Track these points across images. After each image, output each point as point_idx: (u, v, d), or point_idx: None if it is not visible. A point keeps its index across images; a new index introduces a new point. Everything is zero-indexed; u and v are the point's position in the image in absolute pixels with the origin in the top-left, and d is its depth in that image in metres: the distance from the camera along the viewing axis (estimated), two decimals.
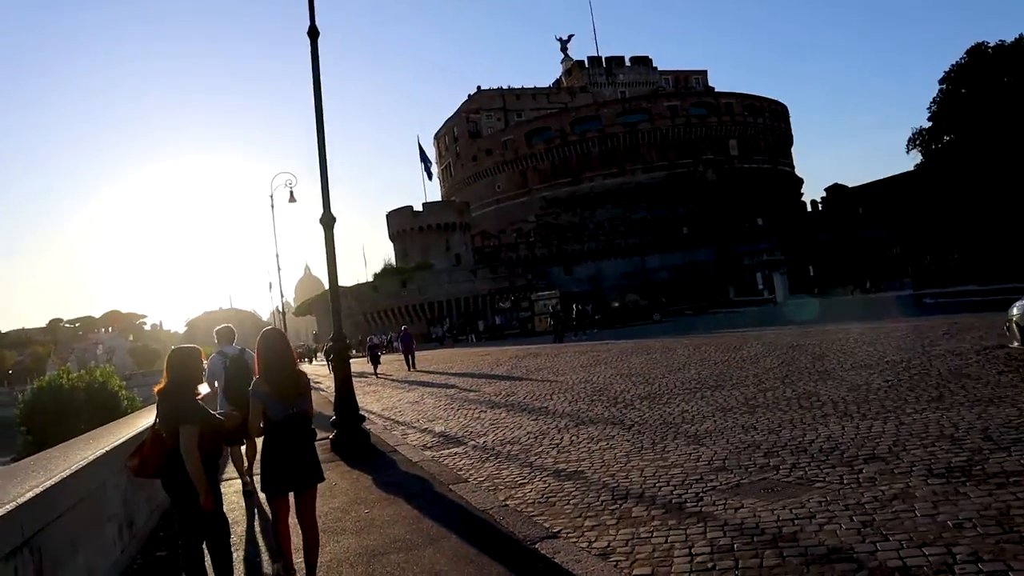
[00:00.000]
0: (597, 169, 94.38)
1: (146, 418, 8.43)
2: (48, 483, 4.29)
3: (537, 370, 20.29)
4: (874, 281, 62.22)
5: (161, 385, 4.73)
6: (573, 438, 9.43)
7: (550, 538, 5.36)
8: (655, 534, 5.20)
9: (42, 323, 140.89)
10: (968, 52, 72.46)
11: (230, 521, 5.33)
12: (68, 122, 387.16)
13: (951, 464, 5.90)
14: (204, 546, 4.77)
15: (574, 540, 5.32)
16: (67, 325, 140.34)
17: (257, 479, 5.62)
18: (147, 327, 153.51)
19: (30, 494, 3.95)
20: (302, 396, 4.97)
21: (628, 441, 8.71)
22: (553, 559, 4.88)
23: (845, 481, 5.85)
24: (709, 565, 4.49)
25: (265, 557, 6.03)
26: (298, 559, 5.20)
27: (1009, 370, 10.05)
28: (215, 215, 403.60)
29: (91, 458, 5.35)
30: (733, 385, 12.03)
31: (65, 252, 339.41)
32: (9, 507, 3.66)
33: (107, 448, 5.88)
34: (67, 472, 4.75)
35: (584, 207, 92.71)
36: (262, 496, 5.49)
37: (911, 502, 5.12)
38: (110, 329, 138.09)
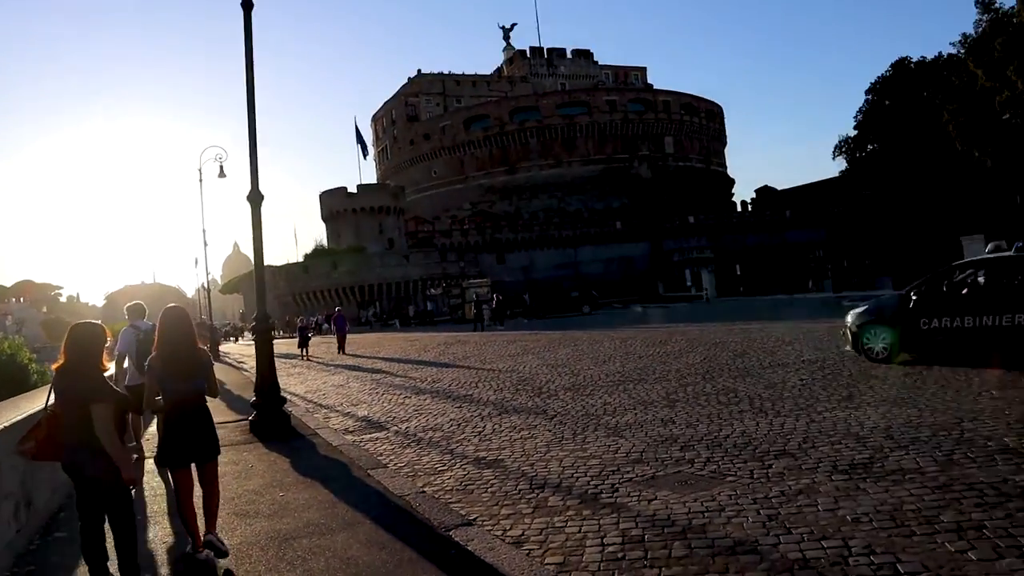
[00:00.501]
0: (534, 159, 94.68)
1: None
2: None
3: (464, 357, 20.29)
4: (801, 282, 64.14)
5: (60, 362, 4.51)
6: (496, 426, 9.46)
7: (465, 525, 5.37)
8: (569, 524, 5.26)
9: None
10: (893, 66, 75.39)
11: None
12: None
13: (854, 461, 6.14)
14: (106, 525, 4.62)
15: (489, 528, 5.34)
16: None
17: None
18: (62, 299, 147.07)
19: None
20: (198, 374, 5.09)
21: (550, 431, 8.78)
22: (466, 546, 4.89)
23: (755, 476, 6.02)
24: (619, 555, 4.57)
25: (165, 532, 5.86)
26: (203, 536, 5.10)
27: (914, 372, 10.52)
28: (141, 185, 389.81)
29: None
30: (656, 379, 12.26)
31: None
32: None
33: (4, 424, 5.61)
34: None
35: (520, 196, 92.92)
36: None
37: (815, 497, 5.31)
38: (21, 299, 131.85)
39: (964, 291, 11.32)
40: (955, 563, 3.96)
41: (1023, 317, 10.42)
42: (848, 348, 12.86)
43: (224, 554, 5.08)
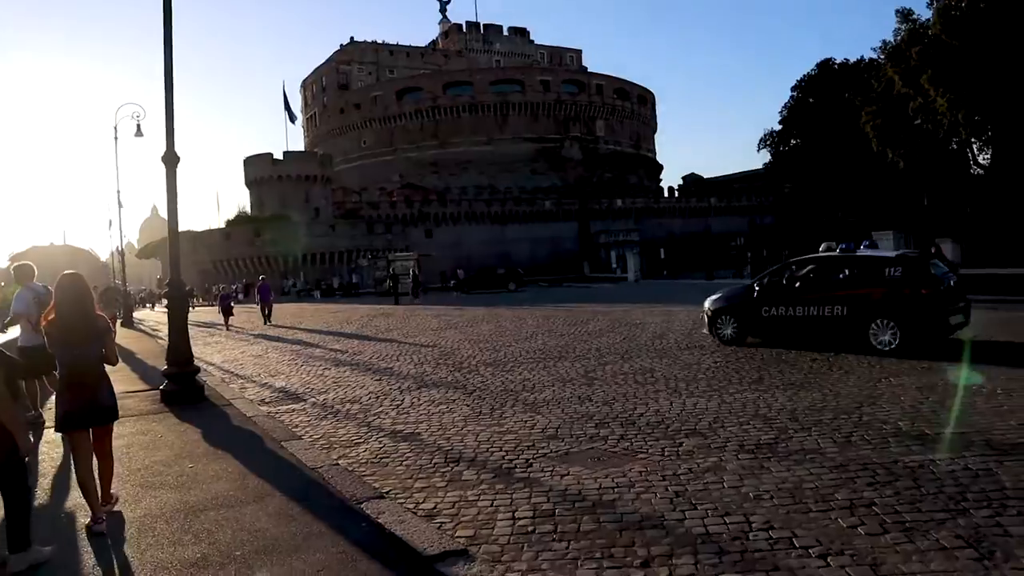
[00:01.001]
0: (466, 135, 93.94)
1: None
2: None
3: (387, 330, 20.14)
4: (724, 268, 65.66)
5: None
6: (414, 400, 9.43)
7: (377, 498, 5.33)
8: (482, 498, 5.29)
9: None
10: (818, 65, 77.86)
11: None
12: None
13: (760, 441, 6.36)
14: None
15: (401, 501, 5.32)
16: None
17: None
18: None
19: None
20: (94, 340, 5.10)
21: (468, 406, 8.80)
22: (377, 519, 4.86)
23: (666, 454, 6.17)
24: (529, 529, 4.62)
25: (61, 503, 5.64)
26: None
27: (821, 358, 10.96)
28: (52, 139, 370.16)
29: None
30: (576, 357, 12.41)
31: None
32: None
33: None
34: None
35: (450, 172, 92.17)
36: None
37: (721, 475, 5.48)
38: None
39: (796, 284, 12.46)
40: (845, 538, 4.15)
41: (839, 308, 11.71)
42: (705, 331, 13.78)
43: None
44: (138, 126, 29.81)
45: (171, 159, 10.34)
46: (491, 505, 5.12)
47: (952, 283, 11.97)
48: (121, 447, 7.01)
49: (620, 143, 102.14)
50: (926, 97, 50.58)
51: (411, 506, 5.20)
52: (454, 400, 9.25)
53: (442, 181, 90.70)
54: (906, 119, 54.51)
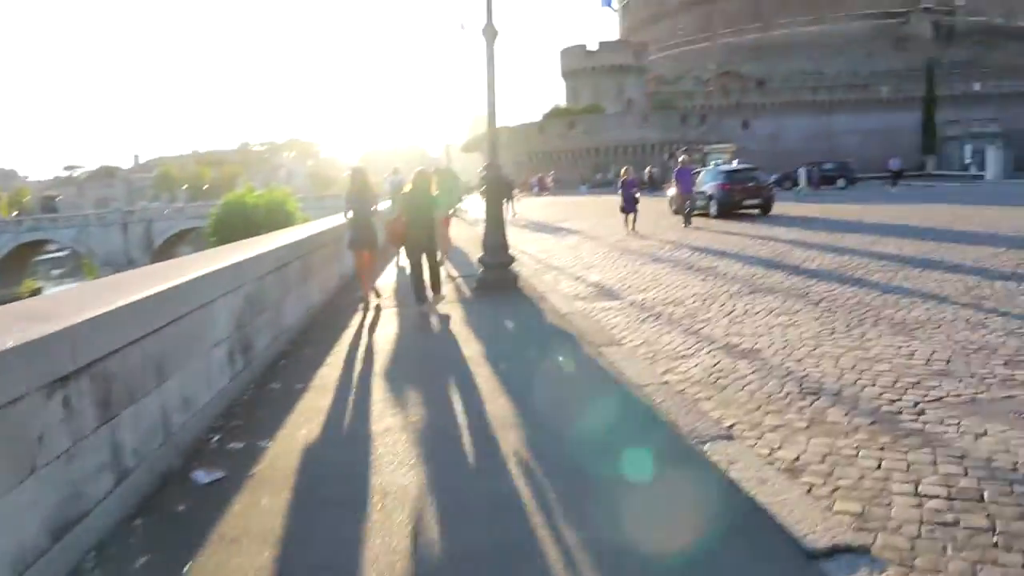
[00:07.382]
0: (792, 14, 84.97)
1: (290, 232, 8.12)
2: (120, 303, 3.59)
3: (706, 225, 18.66)
4: None
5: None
6: (747, 307, 8.12)
7: (723, 439, 4.21)
8: (861, 453, 3.96)
9: (234, 146, 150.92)
10: None
11: None
12: None
13: None
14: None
15: (752, 444, 4.18)
16: (255, 148, 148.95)
17: None
18: (322, 155, 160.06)
19: (88, 315, 3.24)
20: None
21: (815, 319, 7.29)
22: (728, 473, 3.73)
23: None
24: (949, 517, 3.23)
25: None
26: None
27: None
28: (395, 48, 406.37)
29: (196, 275, 4.69)
30: (949, 267, 10.04)
31: (253, 79, 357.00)
32: (54, 329, 2.95)
33: (221, 265, 5.25)
34: (161, 288, 4.09)
35: (771, 57, 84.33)
36: None
37: None
38: (292, 154, 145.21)
39: None
40: None
41: None
42: None
43: None
44: (462, 26, 30.50)
45: (491, 32, 9.71)
46: (878, 467, 3.78)
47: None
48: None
49: (986, 13, 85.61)
50: None
51: (766, 452, 4.05)
52: (797, 311, 7.76)
53: (762, 68, 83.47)
54: None
